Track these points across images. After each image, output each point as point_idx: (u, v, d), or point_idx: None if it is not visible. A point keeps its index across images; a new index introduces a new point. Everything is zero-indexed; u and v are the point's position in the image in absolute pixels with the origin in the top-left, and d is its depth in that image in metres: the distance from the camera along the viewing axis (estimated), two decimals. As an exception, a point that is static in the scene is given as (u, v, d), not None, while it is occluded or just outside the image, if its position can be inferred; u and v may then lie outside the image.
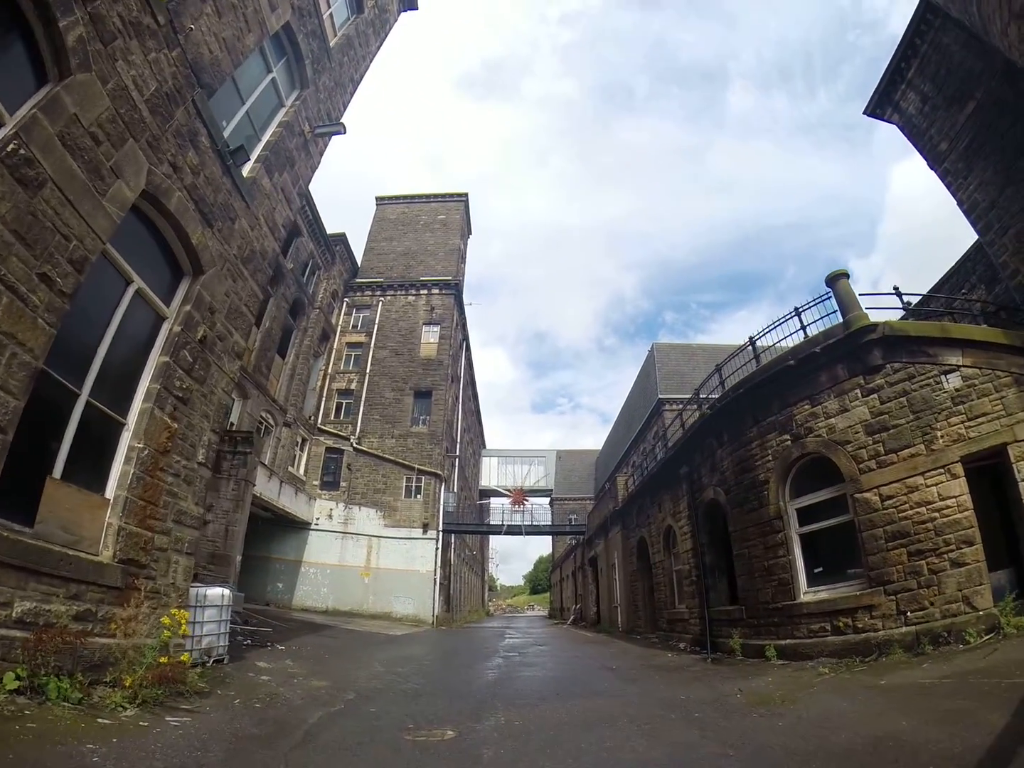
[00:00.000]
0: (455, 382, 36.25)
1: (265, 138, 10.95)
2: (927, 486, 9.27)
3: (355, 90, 14.68)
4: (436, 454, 31.11)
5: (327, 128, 12.70)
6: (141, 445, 7.42)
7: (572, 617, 34.39)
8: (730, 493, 12.68)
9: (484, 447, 53.95)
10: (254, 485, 22.05)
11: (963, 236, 14.27)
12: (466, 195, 43.46)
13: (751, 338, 12.98)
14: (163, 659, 6.32)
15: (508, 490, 31.61)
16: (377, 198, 43.27)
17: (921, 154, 14.36)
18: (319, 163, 13.40)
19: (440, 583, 29.40)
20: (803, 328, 11.83)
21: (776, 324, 12.35)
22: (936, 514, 9.09)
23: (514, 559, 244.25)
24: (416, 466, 30.47)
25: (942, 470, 9.24)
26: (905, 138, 14.83)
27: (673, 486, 16.51)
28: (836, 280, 11.32)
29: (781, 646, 10.35)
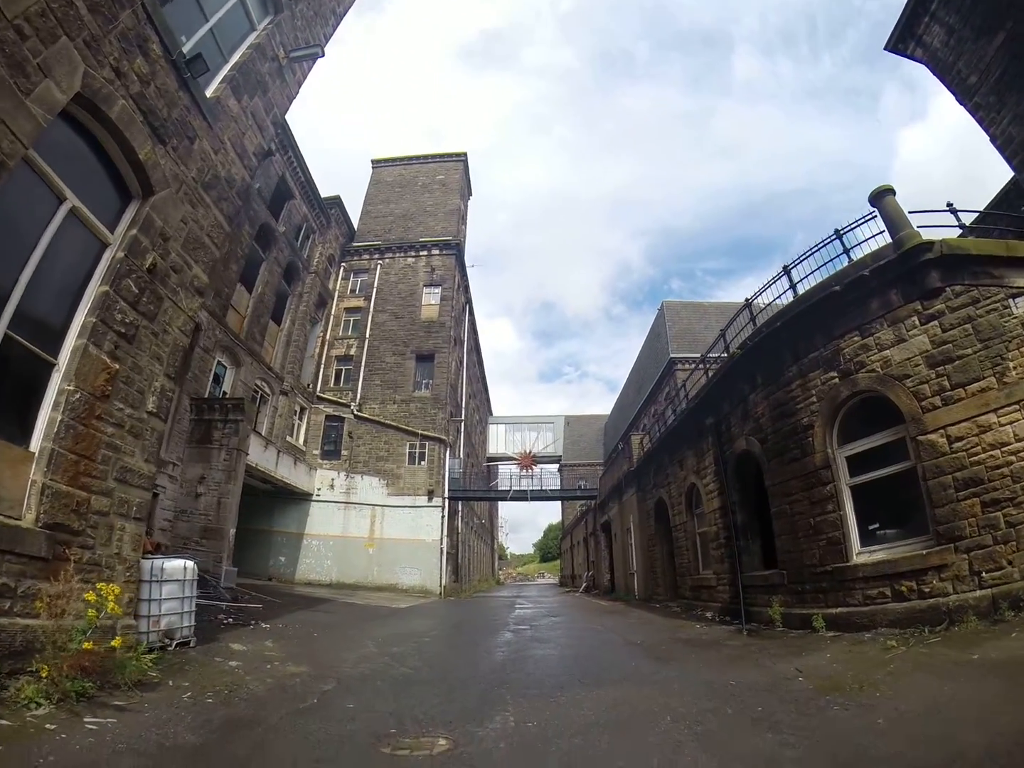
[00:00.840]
0: (458, 345, 34.78)
1: (233, 59, 9.65)
2: (1001, 425, 7.79)
3: (337, 24, 13.18)
4: (440, 419, 29.77)
5: (303, 51, 11.39)
6: (72, 387, 6.11)
7: (584, 585, 33.28)
8: (766, 442, 11.20)
9: (491, 415, 52.69)
10: (247, 455, 20.79)
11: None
12: (465, 154, 41.50)
13: (785, 267, 11.41)
14: (87, 644, 5.00)
15: (516, 455, 30.32)
16: (373, 161, 41.42)
17: (949, 89, 13.12)
18: (297, 93, 12.08)
19: (447, 552, 28.31)
20: (846, 252, 10.27)
21: (814, 249, 10.77)
22: (1012, 457, 7.63)
23: (524, 528, 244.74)
24: (419, 432, 29.16)
25: (1016, 406, 7.77)
26: (931, 74, 13.55)
27: (696, 440, 15.08)
28: (882, 197, 9.69)
29: (831, 615, 8.95)
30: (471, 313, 40.26)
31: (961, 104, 12.86)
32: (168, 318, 7.73)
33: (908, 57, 13.98)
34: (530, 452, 30.67)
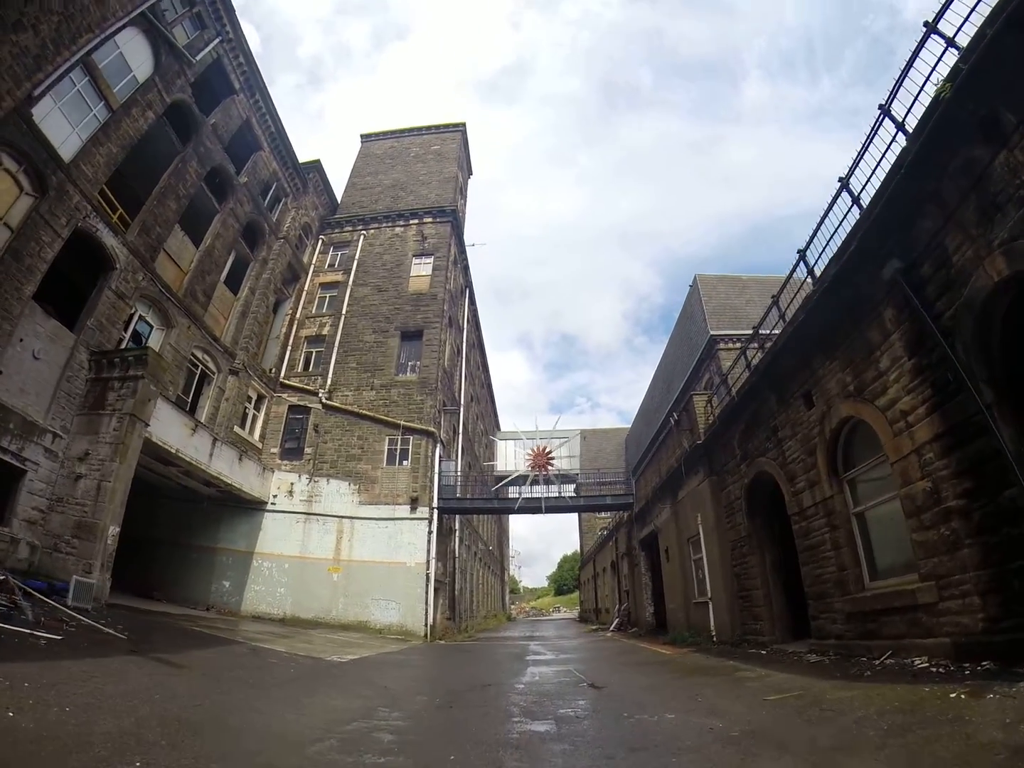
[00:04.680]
0: (452, 326, 27.51)
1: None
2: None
3: None
4: (428, 407, 22.28)
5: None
6: None
7: (616, 621, 24.94)
8: None
9: (499, 430, 45.05)
10: (146, 425, 14.04)
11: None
12: (463, 125, 35.09)
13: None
14: None
15: (528, 453, 22.79)
16: (362, 135, 35.03)
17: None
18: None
19: (436, 580, 20.53)
20: None
21: None
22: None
23: (537, 562, 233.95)
24: (401, 422, 21.67)
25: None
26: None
27: (856, 323, 7.61)
28: None
29: None
30: (472, 299, 33.13)
31: None
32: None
33: None
34: (546, 450, 23.05)
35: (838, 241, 8.27)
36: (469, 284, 32.42)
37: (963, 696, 4.76)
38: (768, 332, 11.53)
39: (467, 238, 32.27)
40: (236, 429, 20.55)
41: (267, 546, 20.31)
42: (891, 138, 7.23)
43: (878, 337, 7.27)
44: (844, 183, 8.20)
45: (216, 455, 18.11)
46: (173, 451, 15.95)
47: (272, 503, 20.94)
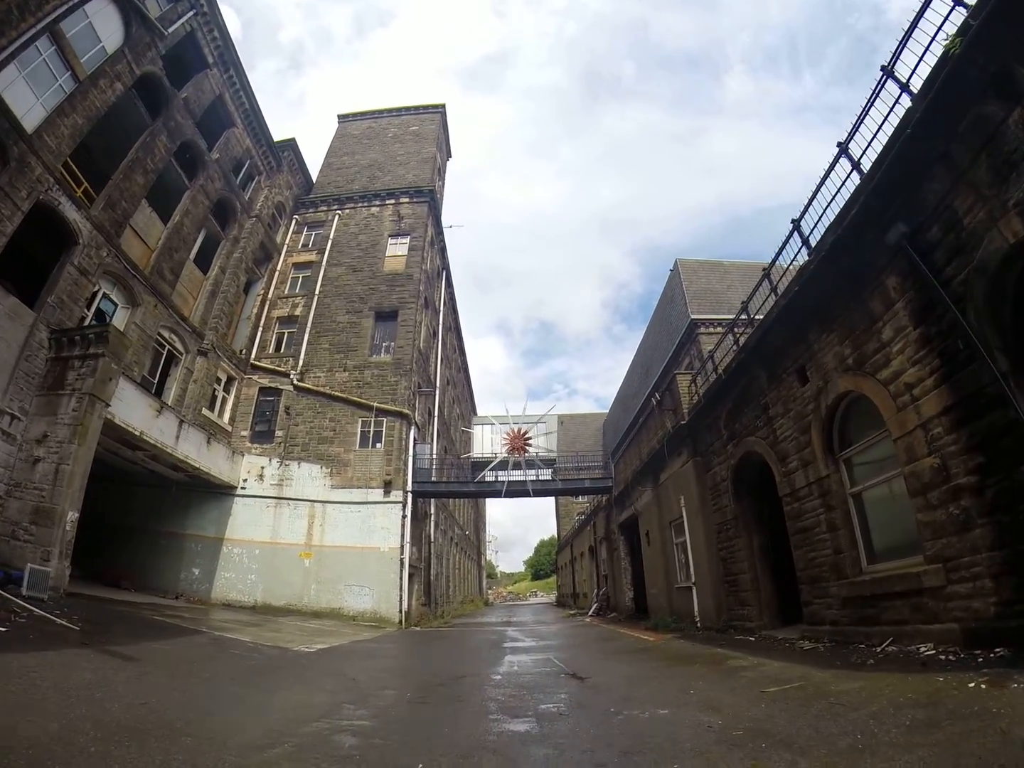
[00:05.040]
0: (428, 307, 26.72)
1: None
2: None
3: None
4: (403, 388, 21.56)
5: None
6: None
7: (595, 606, 24.50)
8: None
9: (475, 415, 44.39)
10: (107, 405, 13.27)
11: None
12: (443, 106, 34.13)
13: None
14: None
15: (504, 436, 22.19)
16: (339, 115, 33.90)
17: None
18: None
19: (411, 565, 19.95)
20: None
21: None
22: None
23: (515, 547, 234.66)
24: (375, 404, 20.93)
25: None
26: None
27: (858, 293, 7.12)
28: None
29: None
30: (448, 281, 32.30)
31: None
32: None
33: None
34: (523, 432, 22.47)
35: (835, 210, 7.81)
36: (446, 266, 31.61)
37: (983, 686, 4.34)
38: (749, 318, 11.14)
39: (445, 220, 31.47)
40: (204, 412, 19.70)
41: (237, 532, 19.54)
42: (894, 100, 6.76)
43: (881, 307, 6.81)
44: (843, 147, 7.71)
45: (183, 438, 17.27)
46: (137, 433, 15.13)
47: (242, 487, 20.14)
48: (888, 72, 6.87)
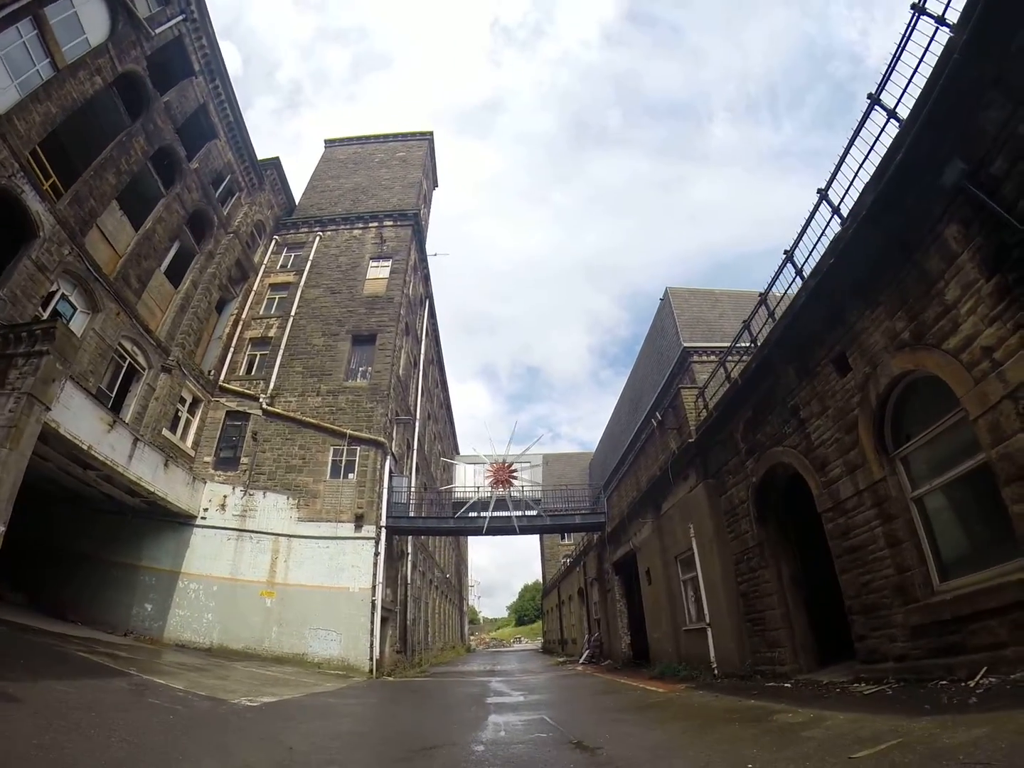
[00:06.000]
0: (410, 334, 25.39)
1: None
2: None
3: None
4: (379, 415, 19.97)
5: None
6: None
7: (587, 652, 22.37)
8: None
9: (458, 453, 42.62)
10: (47, 408, 11.62)
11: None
12: (430, 134, 33.67)
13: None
14: None
15: (489, 466, 20.53)
16: (326, 140, 33.24)
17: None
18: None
19: (386, 608, 18.01)
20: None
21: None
22: None
23: (498, 592, 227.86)
24: (348, 431, 19.27)
25: None
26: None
27: (915, 254, 5.96)
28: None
29: None
30: (432, 312, 31.14)
31: None
32: None
33: None
34: (507, 464, 20.87)
35: (864, 177, 6.73)
36: (429, 295, 30.51)
37: None
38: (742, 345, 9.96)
39: (430, 249, 30.53)
40: (165, 432, 17.99)
41: (195, 566, 17.56)
42: (931, 35, 5.77)
43: (940, 264, 5.61)
44: (875, 98, 6.66)
45: (137, 457, 15.48)
46: (85, 447, 13.36)
47: (202, 517, 18.24)
48: (919, 8, 5.88)
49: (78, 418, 13.22)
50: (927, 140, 5.56)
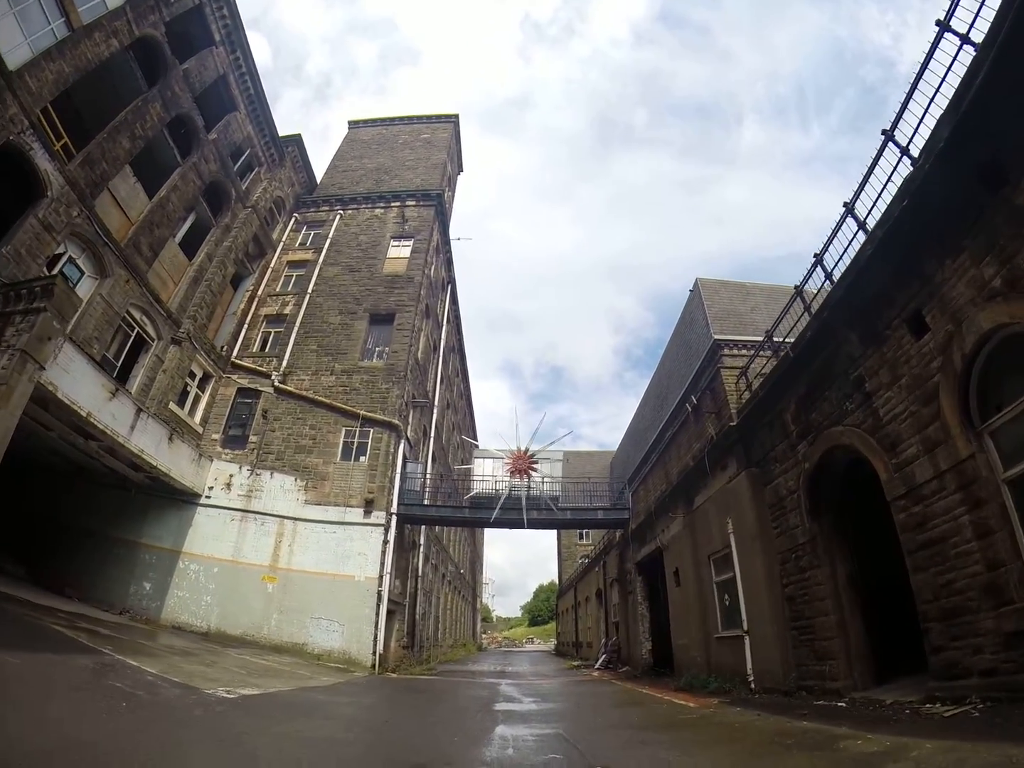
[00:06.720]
0: (430, 317, 24.53)
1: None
2: None
3: None
4: (394, 396, 19.11)
5: None
6: None
7: (603, 657, 21.05)
8: None
9: (476, 447, 41.71)
10: (41, 367, 10.88)
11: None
12: (456, 117, 32.82)
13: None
14: None
15: (506, 456, 19.55)
16: (350, 122, 32.65)
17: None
18: None
19: (393, 600, 17.13)
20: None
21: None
22: None
23: (512, 592, 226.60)
24: (361, 412, 18.43)
25: None
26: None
27: (1005, 189, 4.80)
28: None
29: None
30: (454, 298, 30.27)
31: None
32: None
33: None
34: (526, 452, 19.89)
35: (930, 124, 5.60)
36: (452, 280, 29.62)
37: None
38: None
39: (453, 234, 29.59)
40: (172, 406, 17.35)
41: (196, 546, 16.87)
42: None
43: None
44: (944, 24, 5.52)
45: (139, 429, 14.79)
46: (83, 414, 12.64)
47: (207, 496, 17.53)
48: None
49: (78, 383, 12.54)
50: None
